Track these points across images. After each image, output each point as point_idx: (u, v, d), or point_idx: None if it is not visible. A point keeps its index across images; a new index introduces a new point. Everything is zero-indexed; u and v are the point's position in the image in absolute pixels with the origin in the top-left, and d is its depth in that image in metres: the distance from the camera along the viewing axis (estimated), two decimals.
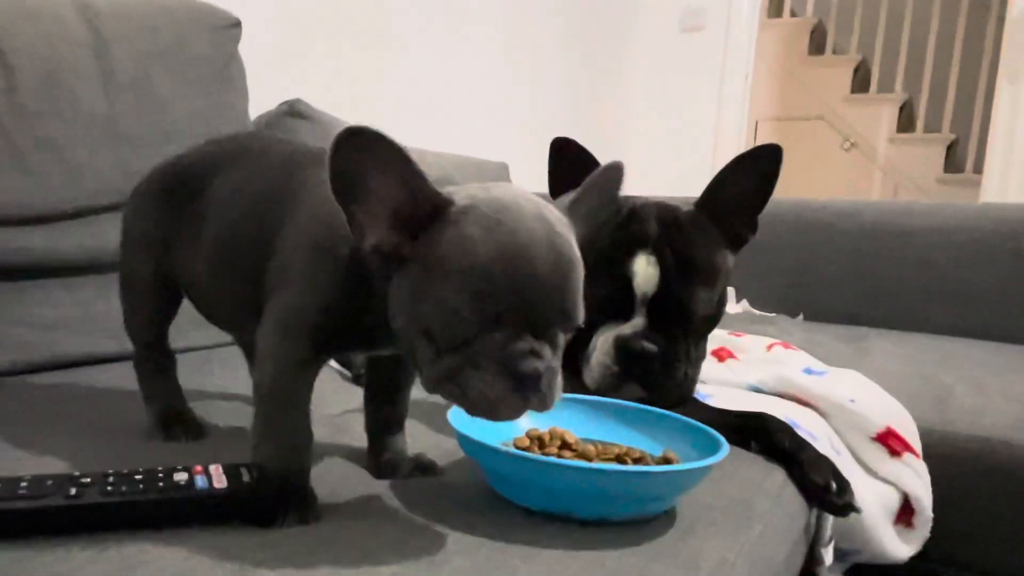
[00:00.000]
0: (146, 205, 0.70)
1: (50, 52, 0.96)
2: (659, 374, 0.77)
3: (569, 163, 0.80)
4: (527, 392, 0.45)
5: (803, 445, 0.76)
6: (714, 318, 0.82)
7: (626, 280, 0.78)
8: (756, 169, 0.80)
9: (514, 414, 0.46)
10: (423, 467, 0.63)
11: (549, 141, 0.84)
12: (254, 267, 0.57)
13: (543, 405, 0.46)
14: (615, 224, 0.81)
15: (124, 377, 0.83)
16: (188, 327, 0.77)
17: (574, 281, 0.47)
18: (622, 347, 0.77)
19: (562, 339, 0.48)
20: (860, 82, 3.92)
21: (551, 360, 0.46)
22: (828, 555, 0.86)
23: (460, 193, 0.47)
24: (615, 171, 0.53)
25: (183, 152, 0.71)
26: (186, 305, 0.73)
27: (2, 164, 0.91)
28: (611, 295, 0.78)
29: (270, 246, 0.56)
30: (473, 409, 0.46)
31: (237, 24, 1.22)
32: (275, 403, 0.55)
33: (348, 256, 0.51)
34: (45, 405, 0.76)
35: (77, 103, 0.98)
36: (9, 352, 0.85)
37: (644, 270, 0.78)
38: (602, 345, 0.79)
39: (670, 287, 0.78)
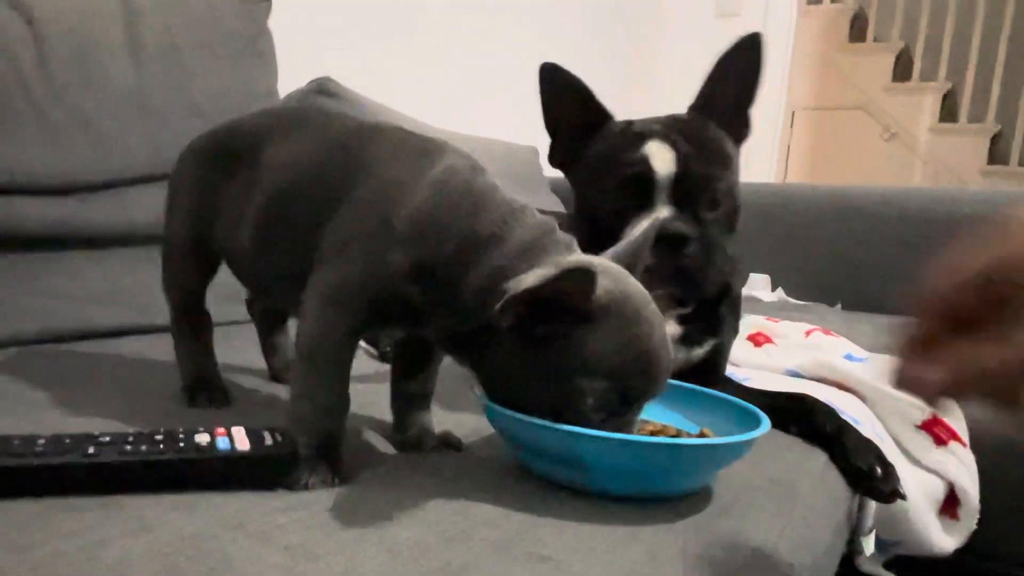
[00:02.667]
0: (194, 167, 0.69)
1: (80, 23, 0.95)
2: (699, 261, 0.71)
3: (560, 90, 0.78)
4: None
5: (846, 428, 0.73)
6: (737, 208, 0.77)
7: (642, 163, 0.72)
8: (741, 62, 0.76)
9: None
10: (449, 443, 0.62)
11: None
12: (306, 232, 0.56)
13: None
14: (617, 129, 0.77)
15: (152, 349, 0.83)
16: (221, 301, 0.76)
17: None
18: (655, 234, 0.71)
19: None
20: (902, 71, 3.82)
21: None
22: (869, 545, 0.83)
23: (599, 290, 0.49)
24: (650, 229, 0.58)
25: (238, 118, 0.70)
26: (218, 279, 0.73)
27: (31, 134, 0.90)
28: (628, 181, 0.72)
29: (326, 213, 0.55)
30: None
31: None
32: (316, 365, 0.54)
33: (427, 254, 0.52)
34: (70, 373, 0.75)
35: (106, 75, 0.98)
36: (36, 321, 0.85)
37: (659, 152, 0.72)
38: (631, 233, 0.69)
39: (689, 167, 0.72)
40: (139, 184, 1.00)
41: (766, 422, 0.55)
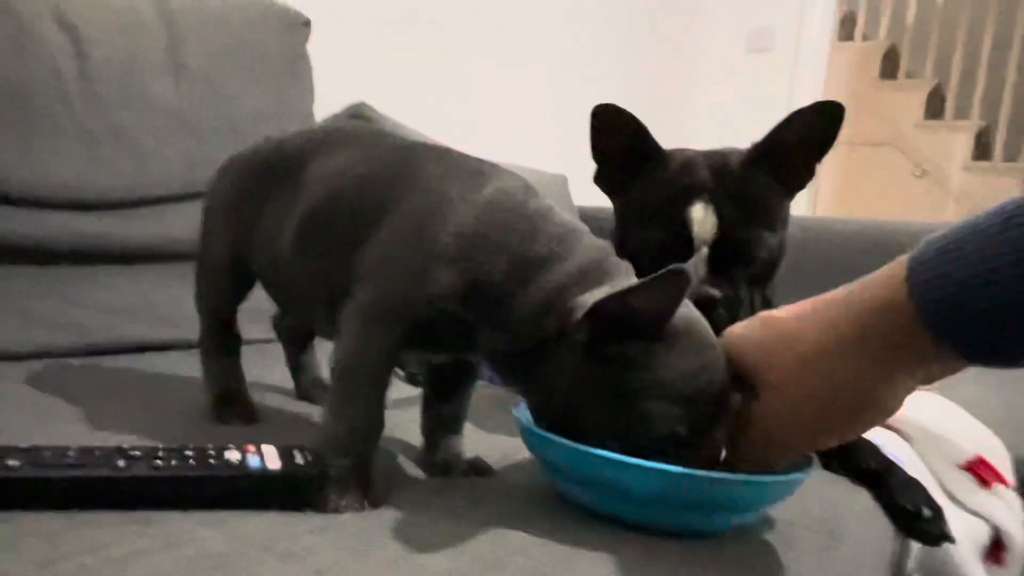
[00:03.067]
0: (235, 181, 0.68)
1: (124, 41, 0.97)
2: (724, 321, 0.69)
3: (612, 125, 0.76)
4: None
5: (891, 467, 0.70)
6: (776, 262, 0.76)
7: (683, 226, 0.72)
8: (817, 125, 0.74)
9: None
10: (479, 469, 0.60)
11: None
12: (347, 247, 0.55)
13: None
14: (667, 176, 0.76)
15: (181, 364, 0.83)
16: (248, 319, 0.75)
17: None
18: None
19: None
20: (934, 108, 3.78)
21: None
22: None
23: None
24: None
25: (282, 135, 0.69)
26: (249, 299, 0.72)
27: (74, 149, 0.92)
28: (667, 242, 0.72)
29: (369, 229, 0.54)
30: None
31: (307, 24, 1.23)
32: (353, 385, 0.53)
33: (476, 273, 0.51)
34: (100, 385, 0.75)
35: (149, 94, 0.99)
36: (70, 334, 0.85)
37: (702, 216, 0.72)
38: None
39: (729, 232, 0.72)
40: (175, 201, 1.01)
41: (816, 461, 0.53)
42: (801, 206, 2.71)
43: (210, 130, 1.04)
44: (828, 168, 3.61)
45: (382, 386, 0.53)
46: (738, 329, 0.52)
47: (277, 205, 0.63)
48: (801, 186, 0.78)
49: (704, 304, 0.68)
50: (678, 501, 0.49)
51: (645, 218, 0.75)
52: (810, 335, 0.47)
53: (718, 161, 0.75)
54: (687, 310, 0.49)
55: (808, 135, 0.75)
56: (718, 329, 0.70)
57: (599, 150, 0.78)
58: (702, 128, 2.81)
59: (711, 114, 2.82)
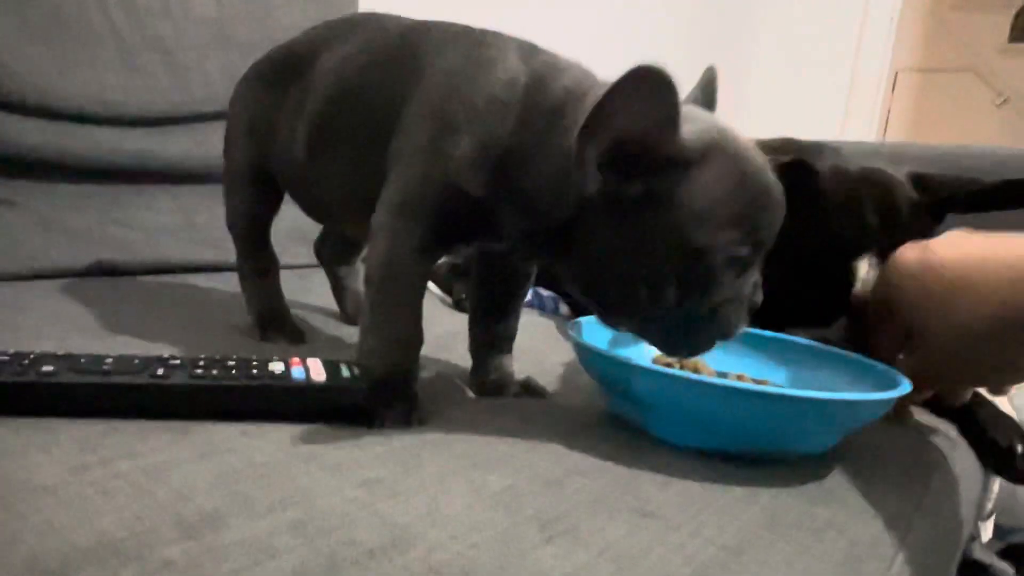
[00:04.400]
0: (249, 89, 0.67)
1: None
2: None
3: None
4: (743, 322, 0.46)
5: (982, 400, 0.64)
6: None
7: (844, 284, 0.64)
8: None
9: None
10: (532, 390, 0.57)
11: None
12: (368, 143, 0.52)
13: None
14: (828, 213, 0.65)
15: (223, 284, 0.81)
16: (288, 243, 0.73)
17: None
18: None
19: None
20: (1020, 30, 3.51)
21: None
22: (987, 530, 0.75)
23: (690, 134, 0.42)
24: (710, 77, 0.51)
25: (294, 36, 0.66)
26: (286, 219, 0.69)
27: (112, 62, 0.89)
28: (821, 299, 0.64)
29: (388, 123, 0.51)
30: (700, 347, 0.46)
31: None
32: (387, 292, 0.49)
33: (488, 136, 0.46)
34: (142, 303, 0.73)
35: (187, 4, 0.95)
36: (110, 251, 0.84)
37: (866, 276, 0.64)
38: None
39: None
40: (217, 119, 0.98)
41: (905, 382, 0.47)
42: (870, 136, 2.56)
43: (251, 43, 1.00)
44: (901, 95, 3.40)
45: (417, 291, 0.50)
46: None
47: (290, 107, 0.60)
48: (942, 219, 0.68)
49: None
50: (752, 424, 0.44)
51: (800, 266, 0.64)
52: None
53: (884, 196, 0.65)
54: (713, 124, 0.43)
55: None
56: None
57: None
58: (765, 46, 2.62)
59: (776, 31, 2.64)
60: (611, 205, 0.42)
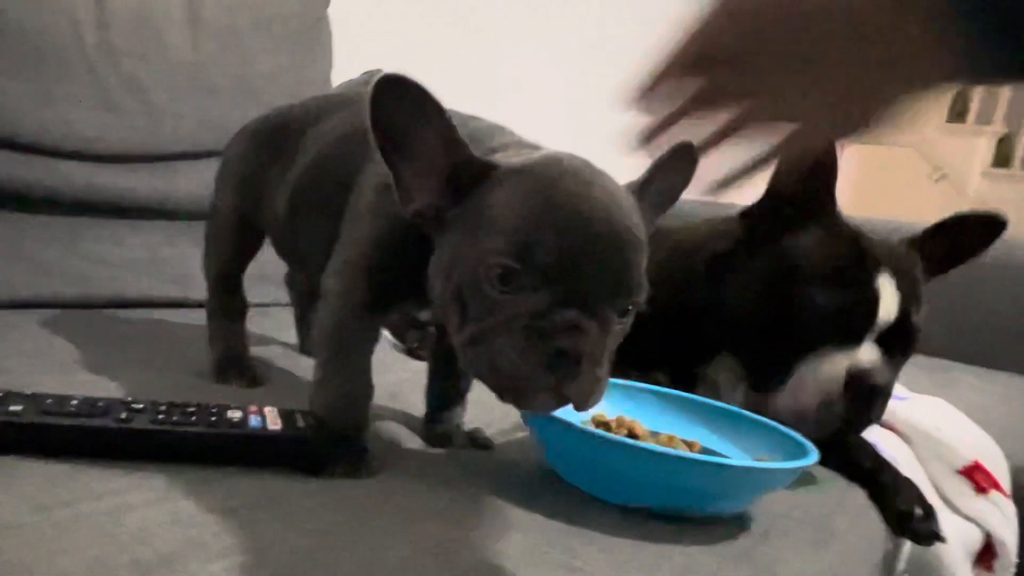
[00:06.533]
0: (245, 144, 0.71)
1: None
2: (878, 411, 0.67)
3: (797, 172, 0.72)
4: (562, 375, 0.39)
5: (885, 466, 0.70)
6: None
7: (868, 300, 0.66)
8: (977, 232, 0.74)
9: (545, 405, 0.40)
10: (478, 442, 0.61)
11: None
12: (333, 206, 0.56)
13: (579, 397, 0.40)
14: (842, 233, 0.70)
15: (184, 321, 0.83)
16: (251, 282, 0.75)
17: (634, 255, 0.41)
18: (858, 380, 0.65)
19: (616, 326, 0.41)
20: (957, 112, 3.73)
21: (597, 343, 0.39)
22: None
23: (513, 157, 0.45)
24: (688, 152, 0.45)
25: (294, 102, 0.72)
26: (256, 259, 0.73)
27: (87, 99, 0.91)
28: (845, 313, 0.66)
29: (346, 192, 0.55)
30: (500, 386, 0.41)
31: None
32: (334, 350, 0.53)
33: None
34: (104, 338, 0.75)
35: (164, 47, 0.99)
36: (75, 285, 0.85)
37: (889, 293, 0.66)
38: (828, 372, 0.66)
39: (906, 317, 0.67)
40: (186, 159, 1.01)
41: (814, 452, 0.53)
42: None
43: (225, 88, 1.03)
44: (844, 167, 3.57)
45: (363, 349, 0.53)
46: None
47: (277, 170, 0.65)
48: (932, 276, 0.75)
49: (871, 394, 0.66)
50: (674, 485, 0.49)
51: (825, 275, 0.68)
52: None
53: (884, 240, 0.71)
54: (540, 151, 0.45)
55: (967, 240, 0.74)
56: (864, 421, 0.67)
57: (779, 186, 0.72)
58: None
59: None
60: (434, 230, 0.45)
